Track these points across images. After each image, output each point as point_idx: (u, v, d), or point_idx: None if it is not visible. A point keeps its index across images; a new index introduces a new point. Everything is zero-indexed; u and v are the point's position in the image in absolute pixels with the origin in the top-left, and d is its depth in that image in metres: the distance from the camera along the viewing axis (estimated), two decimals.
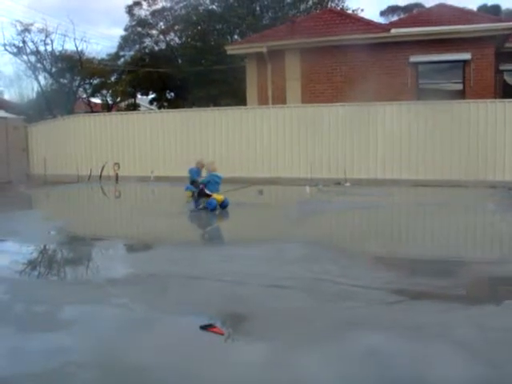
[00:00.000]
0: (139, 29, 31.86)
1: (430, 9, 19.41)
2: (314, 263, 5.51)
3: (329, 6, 29.64)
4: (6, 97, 32.63)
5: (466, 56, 15.03)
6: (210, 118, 15.62)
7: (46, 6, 44.78)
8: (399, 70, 15.61)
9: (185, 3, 30.58)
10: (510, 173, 12.76)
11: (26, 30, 27.16)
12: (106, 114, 21.62)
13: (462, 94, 15.11)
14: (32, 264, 5.88)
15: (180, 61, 31.26)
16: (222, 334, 3.50)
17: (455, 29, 15.22)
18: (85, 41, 39.70)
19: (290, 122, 14.67)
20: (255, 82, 17.20)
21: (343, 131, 14.12)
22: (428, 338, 3.43)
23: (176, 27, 31.27)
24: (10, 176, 16.33)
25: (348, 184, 13.26)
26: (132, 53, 32.45)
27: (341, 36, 15.79)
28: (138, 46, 32.42)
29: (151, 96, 35.29)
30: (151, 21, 31.66)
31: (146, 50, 32.42)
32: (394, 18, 32.46)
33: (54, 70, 28.93)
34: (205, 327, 3.58)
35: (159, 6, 31.22)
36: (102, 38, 63.66)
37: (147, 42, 32.61)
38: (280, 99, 16.60)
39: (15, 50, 27.55)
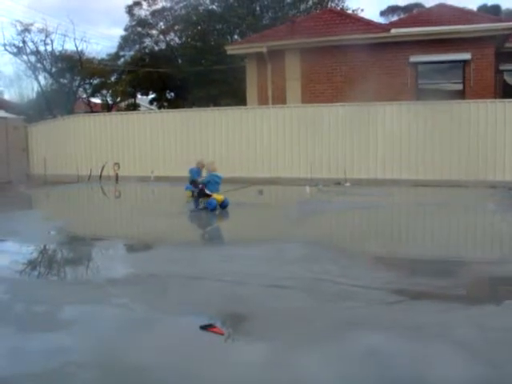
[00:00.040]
0: (139, 29, 31.87)
1: (430, 9, 19.41)
2: (314, 263, 5.51)
3: (329, 6, 29.64)
4: (6, 97, 32.67)
5: (466, 56, 15.03)
6: (209, 118, 15.62)
7: (46, 6, 44.85)
8: (399, 70, 15.61)
9: (185, 3, 30.59)
10: (510, 173, 12.76)
11: (26, 29, 27.19)
12: (106, 114, 21.62)
13: (461, 94, 15.11)
14: (32, 264, 5.88)
15: (180, 61, 31.26)
16: (222, 334, 3.50)
17: (455, 29, 15.22)
18: (85, 41, 39.76)
19: (290, 122, 14.68)
20: (255, 82, 17.20)
21: (343, 131, 14.12)
22: (428, 338, 3.43)
23: (176, 27, 31.28)
24: (10, 176, 16.33)
25: (348, 184, 13.26)
26: (132, 53, 32.47)
27: (341, 36, 15.79)
28: (137, 46, 32.43)
29: (151, 96, 35.31)
30: (151, 21, 31.67)
31: (146, 50, 32.43)
32: (394, 18, 32.47)
33: (53, 70, 28.94)
34: (205, 327, 3.58)
35: (159, 6, 31.27)
36: (101, 38, 63.70)
37: (147, 41, 32.64)
38: (280, 99, 16.60)
39: (15, 50, 27.57)
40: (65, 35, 32.68)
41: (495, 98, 14.78)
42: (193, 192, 10.34)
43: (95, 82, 31.71)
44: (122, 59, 32.76)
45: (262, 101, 16.86)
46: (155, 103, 35.15)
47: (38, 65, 28.35)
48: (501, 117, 12.85)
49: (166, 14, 31.43)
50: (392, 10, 39.65)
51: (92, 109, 30.92)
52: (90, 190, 14.64)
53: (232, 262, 5.70)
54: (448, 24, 15.78)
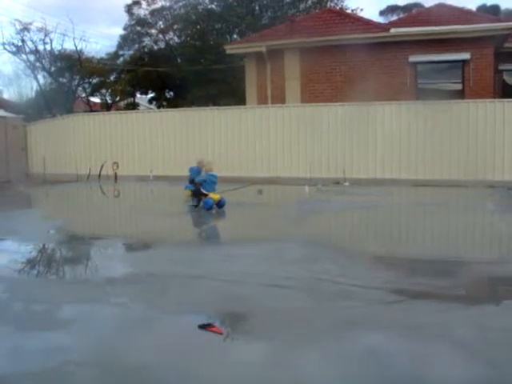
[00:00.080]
0: (138, 28, 31.84)
1: (430, 8, 19.42)
2: (313, 263, 5.51)
3: (328, 5, 29.62)
4: (5, 96, 32.62)
5: (466, 56, 15.03)
6: (209, 117, 15.62)
7: (45, 5, 44.80)
8: (398, 70, 15.60)
9: (184, 2, 30.55)
10: (508, 172, 12.77)
11: (25, 29, 27.13)
12: (105, 113, 21.61)
13: (461, 94, 15.11)
14: (31, 263, 5.87)
15: (179, 60, 31.24)
16: (221, 334, 3.50)
17: (454, 29, 15.22)
18: (84, 40, 39.72)
19: (290, 121, 14.67)
20: (254, 82, 17.19)
21: (342, 131, 14.12)
22: (427, 338, 3.42)
23: (175, 26, 31.25)
24: (9, 175, 16.31)
25: (347, 184, 13.26)
26: (131, 52, 32.43)
27: (340, 36, 15.79)
28: (137, 46, 32.39)
29: (150, 95, 35.27)
30: (150, 20, 31.64)
31: (146, 50, 32.39)
32: (394, 18, 32.46)
33: (53, 69, 28.90)
34: (203, 326, 3.58)
35: (158, 5, 31.22)
36: (101, 37, 63.60)
37: (146, 41, 32.60)
38: (279, 99, 16.60)
39: (14, 49, 27.51)
40: (64, 34, 32.60)
41: (494, 97, 14.78)
42: (192, 191, 10.35)
43: (94, 81, 31.67)
44: (122, 58, 32.74)
45: (262, 100, 16.85)
46: (154, 102, 35.13)
47: (37, 64, 28.31)
48: (500, 117, 12.86)
49: (165, 13, 31.41)
50: (391, 9, 39.65)
51: (91, 108, 30.89)
52: (89, 189, 14.63)
53: (231, 262, 5.70)
54: (447, 24, 15.78)
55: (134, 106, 33.09)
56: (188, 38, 30.94)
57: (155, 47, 32.59)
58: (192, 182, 10.67)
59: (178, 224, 8.52)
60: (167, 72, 29.43)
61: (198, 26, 30.18)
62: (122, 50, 32.51)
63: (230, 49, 18.17)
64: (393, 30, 15.96)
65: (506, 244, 6.88)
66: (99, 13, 58.44)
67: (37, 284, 5.00)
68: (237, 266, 5.46)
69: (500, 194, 11.34)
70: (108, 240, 7.40)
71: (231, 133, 15.23)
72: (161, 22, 31.85)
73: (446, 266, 5.62)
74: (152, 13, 31.36)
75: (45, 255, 6.51)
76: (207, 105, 25.42)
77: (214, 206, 9.20)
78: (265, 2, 30.17)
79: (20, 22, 26.78)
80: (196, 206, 9.43)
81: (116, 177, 15.23)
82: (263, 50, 16.34)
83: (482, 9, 32.23)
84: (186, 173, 11.43)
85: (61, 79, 29.73)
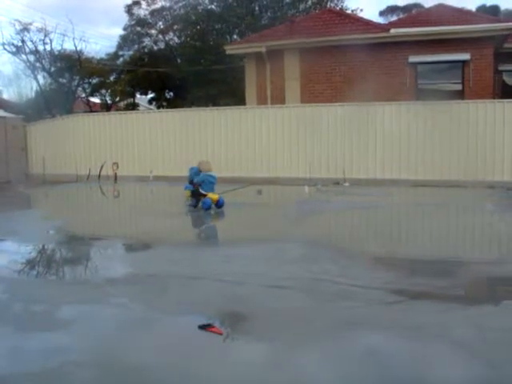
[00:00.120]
0: (138, 28, 31.84)
1: (429, 9, 19.43)
2: (313, 263, 5.51)
3: (328, 5, 29.64)
4: (5, 96, 32.64)
5: (465, 56, 15.04)
6: (209, 117, 15.61)
7: (45, 6, 44.77)
8: (398, 70, 15.61)
9: (184, 3, 30.56)
10: (508, 173, 12.77)
11: (25, 29, 27.16)
12: (105, 113, 21.62)
13: (461, 95, 15.12)
14: (31, 263, 5.87)
15: (179, 60, 31.24)
16: (221, 334, 3.50)
17: (454, 29, 15.23)
18: (84, 40, 39.72)
19: (289, 121, 14.67)
20: (254, 82, 17.19)
21: (342, 131, 14.12)
22: (427, 338, 3.43)
23: (175, 27, 31.26)
24: (9, 175, 16.31)
25: (347, 184, 13.26)
26: (131, 52, 32.44)
27: (340, 36, 15.79)
28: (137, 46, 32.40)
29: (150, 95, 35.27)
30: (150, 20, 31.64)
31: (145, 50, 32.40)
32: (394, 18, 32.47)
33: (52, 69, 28.91)
34: (203, 327, 3.58)
35: (158, 5, 31.23)
36: (101, 37, 63.66)
37: (146, 41, 32.61)
38: (279, 99, 16.60)
39: (14, 50, 27.54)
40: (64, 35, 32.60)
41: (494, 98, 14.79)
42: (191, 191, 10.35)
43: (94, 81, 31.69)
44: (121, 59, 32.75)
45: (261, 101, 16.86)
46: (154, 103, 35.13)
47: (37, 64, 28.33)
48: (500, 117, 12.86)
49: (165, 13, 31.42)
50: (391, 10, 39.68)
51: (91, 108, 30.89)
52: (89, 190, 14.63)
53: (231, 262, 5.70)
54: (447, 24, 15.79)
55: (133, 107, 33.09)
56: (188, 39, 30.95)
57: (155, 47, 32.61)
58: (191, 182, 10.67)
59: (177, 224, 8.52)
60: (167, 72, 29.44)
61: (198, 27, 30.19)
62: (122, 51, 32.53)
63: (229, 49, 18.17)
64: (393, 31, 15.97)
65: (506, 244, 6.88)
66: (99, 13, 58.50)
67: (36, 284, 5.00)
68: (236, 267, 5.46)
69: (500, 194, 11.35)
70: (108, 240, 7.40)
71: (231, 133, 15.23)
72: (161, 23, 31.88)
73: (445, 266, 5.62)
74: (152, 13, 31.38)
75: (44, 256, 6.50)
76: (207, 105, 25.42)
77: (213, 206, 9.20)
78: (265, 3, 30.18)
79: (20, 22, 26.84)
80: (195, 207, 9.43)
81: (116, 177, 15.24)
82: (263, 50, 16.34)
83: (482, 9, 32.26)
84: (185, 173, 11.43)
85: (61, 79, 29.74)
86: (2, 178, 15.79)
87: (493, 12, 30.18)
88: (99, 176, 15.88)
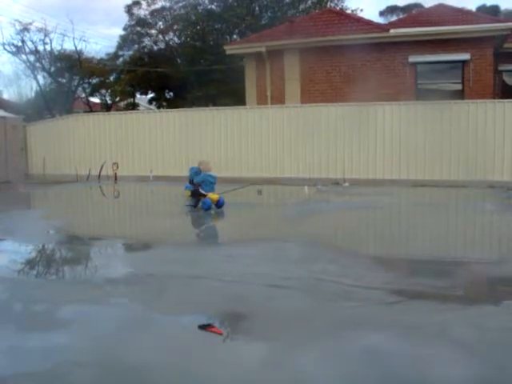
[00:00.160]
0: (138, 28, 31.84)
1: (429, 9, 19.45)
2: (312, 263, 5.51)
3: (328, 5, 29.63)
4: (5, 96, 32.65)
5: (465, 56, 15.05)
6: (208, 117, 15.62)
7: (45, 6, 44.76)
8: (398, 70, 15.62)
9: (184, 3, 30.57)
10: (508, 173, 12.78)
11: (25, 29, 27.17)
12: (105, 113, 21.62)
13: (461, 95, 15.13)
14: (30, 263, 5.87)
15: (179, 60, 31.25)
16: (221, 334, 3.50)
17: (454, 29, 15.24)
18: (84, 40, 39.67)
19: (289, 121, 14.68)
20: (254, 82, 17.20)
21: (342, 131, 14.12)
22: (427, 338, 3.43)
23: (175, 27, 31.26)
24: (9, 176, 16.32)
25: (347, 184, 13.27)
26: (131, 52, 32.45)
27: (340, 36, 15.80)
28: (137, 46, 32.40)
29: (150, 95, 35.30)
30: (150, 20, 31.64)
31: (145, 50, 32.41)
32: (394, 18, 32.47)
33: (52, 69, 28.92)
34: (203, 327, 3.58)
35: (158, 5, 31.23)
36: (101, 37, 63.70)
37: (146, 41, 32.62)
38: (279, 99, 16.61)
39: (14, 50, 27.56)
40: (64, 35, 32.70)
41: (494, 98, 14.80)
42: (191, 191, 10.35)
43: (94, 81, 31.71)
44: (121, 59, 32.77)
45: (261, 101, 16.86)
46: (154, 103, 35.16)
47: (37, 64, 28.34)
48: (500, 117, 12.86)
49: (165, 13, 31.42)
50: (391, 10, 39.69)
51: (91, 108, 30.90)
52: (89, 190, 14.63)
53: (231, 262, 5.70)
54: (447, 24, 15.80)
55: (133, 107, 33.11)
56: (188, 39, 30.95)
57: (155, 47, 32.61)
58: (192, 182, 10.68)
59: (177, 224, 8.52)
60: (167, 72, 29.44)
61: (198, 27, 30.19)
62: (122, 51, 32.54)
63: (229, 49, 18.18)
64: (393, 31, 15.98)
65: (505, 244, 6.88)
66: (99, 13, 58.50)
67: (36, 284, 5.00)
68: (236, 267, 5.46)
69: (499, 194, 11.35)
70: (108, 240, 7.40)
71: (231, 133, 15.24)
72: (161, 23, 31.88)
73: (445, 266, 5.62)
74: (152, 13, 31.38)
75: (44, 256, 6.50)
76: (207, 105, 25.41)
77: (213, 206, 9.20)
78: (265, 3, 30.18)
79: (20, 22, 26.87)
80: (195, 207, 9.42)
81: (116, 177, 15.24)
82: (263, 50, 16.35)
83: (482, 9, 32.26)
84: (185, 173, 11.43)
85: (60, 79, 29.76)
86: (2, 178, 15.79)
87: (493, 12, 30.18)
88: (99, 176, 15.88)
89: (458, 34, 15.04)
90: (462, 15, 17.44)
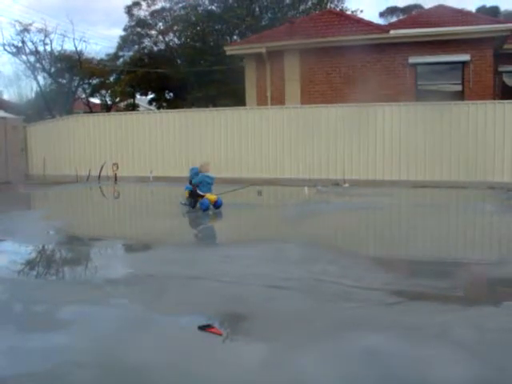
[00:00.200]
0: (138, 29, 31.84)
1: (429, 10, 19.46)
2: (312, 264, 5.51)
3: (328, 6, 29.64)
4: (5, 97, 32.67)
5: (465, 57, 15.05)
6: (208, 118, 15.62)
7: (45, 6, 44.81)
8: (398, 71, 15.63)
9: (184, 4, 30.58)
10: (508, 174, 12.78)
11: (25, 30, 27.19)
12: (105, 114, 21.62)
13: (461, 96, 15.14)
14: (30, 264, 5.87)
15: (179, 61, 31.24)
16: (221, 335, 3.50)
17: (454, 30, 15.25)
18: (84, 41, 39.78)
19: (289, 122, 14.68)
20: (254, 83, 17.20)
21: (342, 132, 14.13)
22: (427, 339, 3.43)
23: (175, 28, 31.26)
24: (9, 176, 16.32)
25: (347, 185, 13.27)
26: (131, 53, 32.44)
27: (340, 37, 15.80)
28: (137, 47, 32.40)
29: (150, 96, 35.29)
30: (150, 21, 31.64)
31: (145, 51, 32.40)
32: (393, 20, 32.49)
33: (53, 70, 28.94)
34: (203, 327, 3.58)
35: (158, 6, 31.22)
36: (101, 38, 63.72)
37: (146, 42, 32.60)
38: (279, 100, 16.61)
39: (14, 50, 27.58)
40: (64, 35, 32.57)
41: (494, 99, 14.80)
42: (189, 192, 10.35)
43: (94, 82, 31.71)
44: (121, 59, 32.75)
45: (261, 101, 16.87)
46: (154, 103, 35.15)
47: (37, 65, 28.36)
48: (500, 118, 12.87)
49: (165, 14, 31.41)
50: (391, 11, 39.73)
51: (91, 109, 30.92)
52: (89, 191, 14.62)
53: (230, 263, 5.70)
54: (447, 25, 15.81)
55: (133, 107, 33.12)
56: (188, 39, 30.96)
57: (155, 48, 32.60)
58: (191, 182, 10.68)
59: (177, 225, 8.53)
60: (167, 73, 29.44)
61: (198, 28, 30.19)
62: (122, 51, 32.54)
63: (229, 50, 18.18)
64: (392, 32, 15.98)
65: (506, 245, 6.88)
66: (99, 14, 58.51)
67: (36, 285, 5.00)
68: (236, 267, 5.46)
69: (500, 195, 11.35)
70: (107, 241, 7.40)
71: (231, 134, 15.24)
72: (161, 24, 31.87)
73: (445, 267, 5.62)
74: (152, 14, 31.37)
75: (44, 256, 6.50)
76: (207, 106, 25.44)
77: (211, 206, 9.20)
78: (265, 4, 30.18)
79: (20, 23, 26.88)
80: (193, 207, 9.43)
81: (116, 178, 15.24)
82: (263, 51, 16.36)
83: (482, 10, 32.29)
84: (185, 174, 11.42)
85: (61, 80, 29.77)
86: (2, 179, 15.80)
87: (493, 13, 30.22)
88: (99, 177, 15.88)
89: (458, 35, 15.05)
90: (461, 16, 17.46)
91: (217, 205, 9.26)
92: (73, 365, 3.13)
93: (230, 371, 3.04)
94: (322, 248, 6.39)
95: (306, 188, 12.09)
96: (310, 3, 30.75)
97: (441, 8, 18.46)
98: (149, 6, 31.18)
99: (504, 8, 37.36)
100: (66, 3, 46.29)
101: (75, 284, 5.01)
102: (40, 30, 27.29)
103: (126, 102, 33.90)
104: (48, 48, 28.12)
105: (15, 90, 30.62)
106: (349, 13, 27.81)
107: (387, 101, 14.12)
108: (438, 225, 8.09)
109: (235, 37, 29.88)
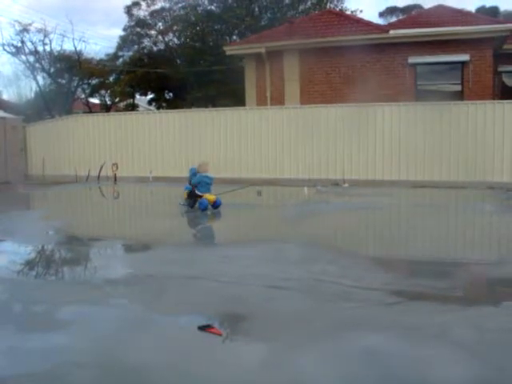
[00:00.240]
0: (138, 29, 31.83)
1: (429, 10, 19.47)
2: (312, 264, 5.51)
3: (327, 6, 29.64)
4: (5, 97, 32.68)
5: (465, 57, 15.06)
6: (208, 118, 15.62)
7: (45, 6, 44.76)
8: (398, 71, 15.64)
9: (183, 4, 30.58)
10: (508, 174, 12.79)
11: (25, 30, 27.19)
12: (105, 114, 21.63)
13: (460, 96, 15.14)
14: (30, 264, 5.87)
15: (179, 61, 31.24)
16: (220, 335, 3.50)
17: (454, 30, 15.25)
18: (83, 41, 39.75)
19: (289, 122, 14.68)
20: (254, 83, 17.20)
21: (342, 132, 14.13)
22: (426, 339, 3.43)
23: (175, 28, 31.25)
24: (8, 176, 16.31)
25: (346, 185, 13.27)
26: (131, 53, 32.43)
27: (339, 37, 15.81)
28: (136, 47, 32.39)
29: (150, 96, 35.28)
30: (150, 21, 31.63)
31: (145, 51, 32.39)
32: (393, 19, 32.49)
33: (52, 70, 28.93)
34: (203, 328, 3.58)
35: (158, 6, 31.22)
36: (100, 38, 63.73)
37: (146, 42, 32.60)
38: (278, 100, 16.62)
39: (14, 50, 27.58)
40: (63, 35, 32.72)
41: (494, 99, 14.81)
42: (188, 192, 10.35)
43: (94, 82, 31.71)
44: (121, 59, 32.75)
45: (261, 101, 16.87)
46: (154, 103, 35.15)
47: (37, 65, 28.35)
48: (499, 118, 12.88)
49: (164, 14, 31.41)
50: (391, 11, 39.73)
51: (90, 109, 30.92)
52: (89, 191, 14.62)
53: (230, 263, 5.70)
54: (446, 25, 15.82)
55: (133, 107, 33.12)
56: (187, 39, 30.95)
57: (155, 48, 32.60)
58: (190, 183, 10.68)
59: (176, 225, 8.53)
60: (167, 73, 29.44)
61: (198, 28, 30.19)
62: (122, 51, 32.53)
63: (229, 50, 18.18)
64: (392, 32, 15.99)
65: (505, 245, 6.88)
66: (99, 14, 58.50)
67: (36, 285, 5.00)
68: (236, 268, 5.46)
69: (499, 195, 11.36)
70: (107, 241, 7.40)
71: (230, 134, 15.24)
72: (160, 24, 31.86)
73: (444, 267, 5.62)
74: (151, 14, 31.37)
75: (44, 256, 6.50)
76: (206, 106, 25.44)
77: (210, 207, 9.20)
78: (264, 4, 30.19)
79: (19, 23, 26.88)
80: (192, 207, 9.43)
81: (115, 178, 15.24)
82: (262, 51, 16.36)
83: (481, 10, 32.29)
84: (185, 174, 11.43)
85: (60, 80, 29.77)
86: (2, 179, 15.79)
87: (492, 13, 30.23)
88: (99, 177, 15.88)
89: (458, 35, 15.05)
90: (461, 16, 17.46)
91: (215, 205, 9.26)
92: (72, 365, 3.13)
93: (229, 371, 3.04)
94: (321, 248, 6.39)
95: (305, 188, 12.09)
96: (309, 3, 30.76)
97: (440, 8, 18.47)
98: (148, 6, 31.20)
99: (504, 8, 37.45)
100: (65, 3, 46.31)
101: (75, 284, 5.01)
102: (39, 30, 27.33)
103: (125, 102, 33.89)
104: (47, 48, 28.17)
105: (14, 90, 30.67)
106: (348, 13, 27.81)
107: (387, 101, 14.12)
108: (437, 225, 8.09)
109: (235, 37, 29.89)
